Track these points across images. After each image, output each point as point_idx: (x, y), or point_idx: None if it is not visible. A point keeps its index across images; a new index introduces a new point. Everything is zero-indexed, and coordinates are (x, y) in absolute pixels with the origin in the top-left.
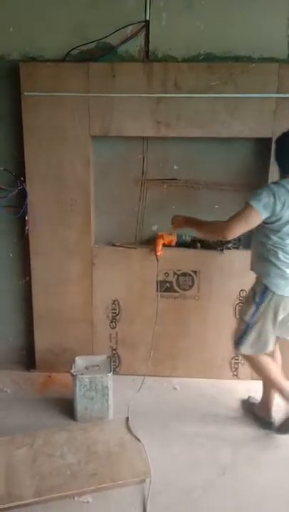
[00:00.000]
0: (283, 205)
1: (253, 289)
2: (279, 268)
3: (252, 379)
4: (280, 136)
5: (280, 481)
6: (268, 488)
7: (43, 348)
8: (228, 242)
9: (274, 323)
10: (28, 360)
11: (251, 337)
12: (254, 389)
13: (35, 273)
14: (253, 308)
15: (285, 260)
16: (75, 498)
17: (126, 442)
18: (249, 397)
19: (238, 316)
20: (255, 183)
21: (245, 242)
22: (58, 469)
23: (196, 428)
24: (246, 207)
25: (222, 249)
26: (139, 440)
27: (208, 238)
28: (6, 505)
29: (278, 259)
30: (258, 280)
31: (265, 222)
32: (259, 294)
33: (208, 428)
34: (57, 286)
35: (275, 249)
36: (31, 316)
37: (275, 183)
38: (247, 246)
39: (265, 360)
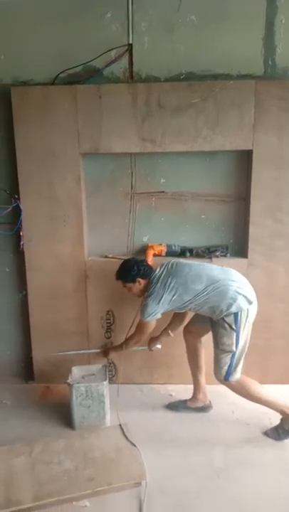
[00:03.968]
0: (168, 289)
1: (222, 326)
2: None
3: None
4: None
5: (273, 482)
6: (262, 489)
7: (40, 360)
8: (216, 250)
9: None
10: (26, 372)
11: (238, 359)
12: None
13: (31, 287)
14: (233, 336)
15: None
16: (73, 502)
17: (122, 448)
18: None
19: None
20: (238, 192)
21: (232, 249)
22: (56, 476)
23: (190, 432)
24: (143, 323)
25: (210, 258)
26: (134, 445)
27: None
28: (7, 511)
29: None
30: (223, 316)
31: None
32: (233, 322)
33: (203, 432)
34: (53, 299)
35: (208, 292)
36: (29, 329)
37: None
38: (234, 254)
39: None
